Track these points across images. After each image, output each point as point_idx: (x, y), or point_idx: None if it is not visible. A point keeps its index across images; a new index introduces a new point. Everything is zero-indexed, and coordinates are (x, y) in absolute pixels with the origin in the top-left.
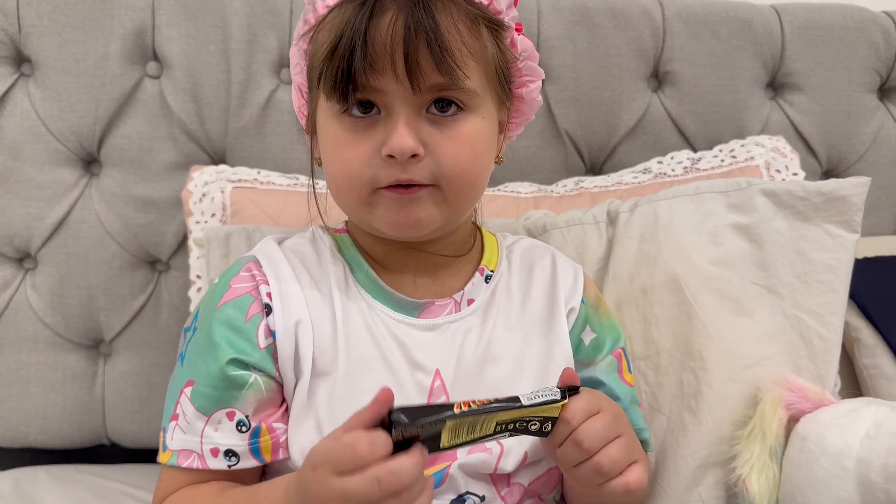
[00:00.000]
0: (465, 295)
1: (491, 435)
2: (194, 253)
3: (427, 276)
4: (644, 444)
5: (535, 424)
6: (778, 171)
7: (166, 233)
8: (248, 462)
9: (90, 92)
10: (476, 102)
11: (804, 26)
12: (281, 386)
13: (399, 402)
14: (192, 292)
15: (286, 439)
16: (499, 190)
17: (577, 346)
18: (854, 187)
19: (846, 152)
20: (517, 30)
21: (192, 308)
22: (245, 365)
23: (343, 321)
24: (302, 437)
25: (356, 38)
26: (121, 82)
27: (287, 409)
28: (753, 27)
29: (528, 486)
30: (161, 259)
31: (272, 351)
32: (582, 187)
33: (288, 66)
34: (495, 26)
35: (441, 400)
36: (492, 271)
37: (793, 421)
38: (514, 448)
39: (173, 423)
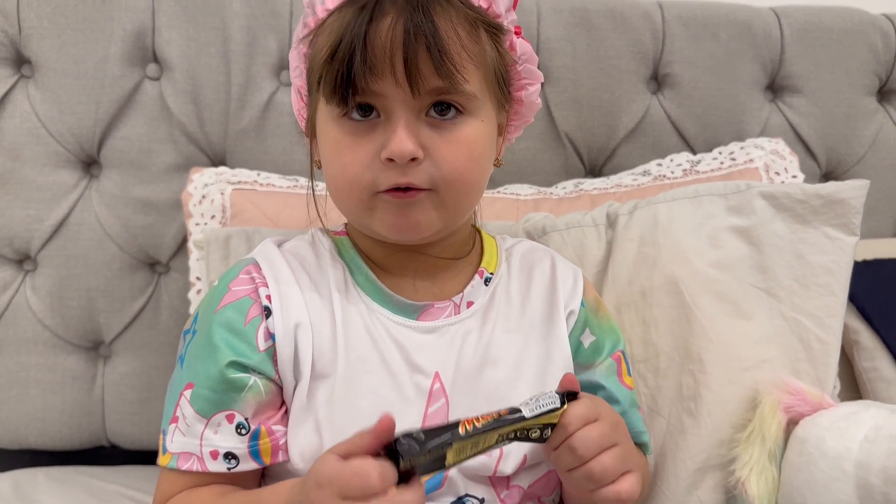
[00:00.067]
0: (464, 297)
1: (493, 446)
2: (194, 255)
3: (426, 278)
4: (643, 446)
5: (536, 432)
6: (777, 173)
7: (166, 235)
8: (248, 464)
9: (90, 94)
10: (475, 106)
11: (803, 29)
12: (280, 388)
13: (399, 404)
14: (191, 294)
15: (286, 442)
16: (498, 192)
17: (576, 348)
18: (853, 190)
19: (845, 155)
20: (516, 33)
21: (192, 310)
22: (244, 367)
23: (342, 323)
24: (301, 440)
25: (356, 42)
26: (121, 84)
27: (286, 412)
28: (753, 30)
29: (528, 488)
30: (161, 261)
31: (271, 353)
32: (581, 189)
33: (288, 69)
34: (494, 30)
35: (440, 403)
36: (491, 274)
37: (792, 424)
38: (514, 451)
39: (173, 425)
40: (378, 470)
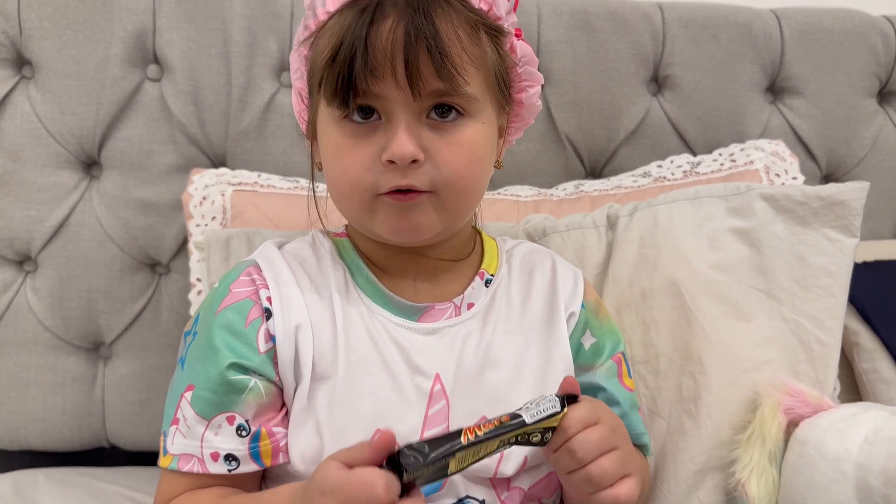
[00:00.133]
0: (465, 299)
1: (494, 451)
2: (194, 256)
3: (427, 280)
4: (644, 448)
5: (537, 436)
6: (777, 175)
7: (166, 236)
8: (249, 466)
9: (91, 95)
10: (476, 108)
11: (804, 31)
12: (281, 390)
13: (399, 406)
14: (192, 295)
15: (286, 443)
16: (499, 193)
17: (576, 350)
18: (853, 192)
19: (845, 156)
20: (516, 35)
21: (192, 311)
22: (245, 369)
23: (343, 325)
24: (302, 441)
25: (357, 45)
26: (121, 85)
27: (287, 414)
28: (753, 31)
29: (529, 490)
30: (161, 262)
31: (272, 355)
32: (582, 191)
33: (288, 70)
34: (495, 32)
35: (441, 404)
36: (492, 275)
37: (792, 425)
38: (514, 452)
39: (174, 427)
40: (384, 480)
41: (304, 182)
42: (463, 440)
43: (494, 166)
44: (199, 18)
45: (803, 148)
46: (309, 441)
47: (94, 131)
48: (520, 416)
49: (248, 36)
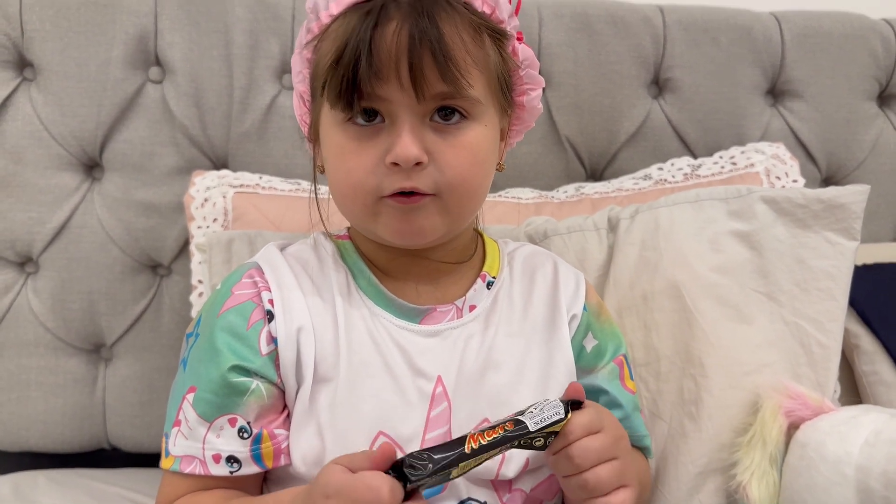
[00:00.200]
0: (466, 301)
1: (495, 454)
2: (196, 258)
3: (429, 282)
4: (645, 450)
5: (540, 441)
6: (778, 177)
7: (168, 237)
8: (250, 468)
9: (92, 96)
10: (479, 111)
11: (804, 34)
12: (282, 392)
13: (401, 408)
14: (193, 297)
15: (288, 445)
16: (500, 196)
17: (578, 353)
18: (853, 195)
19: (846, 159)
20: (518, 38)
21: (194, 313)
22: (247, 371)
23: (345, 327)
24: (303, 444)
25: (361, 47)
26: (123, 87)
27: (289, 416)
28: (753, 35)
29: (530, 492)
30: (162, 264)
31: (274, 357)
32: (583, 193)
33: (290, 72)
34: (498, 35)
35: (442, 407)
36: (493, 278)
37: (793, 428)
38: (516, 454)
39: (176, 428)
40: (389, 485)
41: (305, 184)
42: (467, 449)
43: (496, 169)
44: (200, 21)
45: (803, 151)
46: (310, 443)
47: (96, 133)
48: (523, 422)
49: (249, 38)
